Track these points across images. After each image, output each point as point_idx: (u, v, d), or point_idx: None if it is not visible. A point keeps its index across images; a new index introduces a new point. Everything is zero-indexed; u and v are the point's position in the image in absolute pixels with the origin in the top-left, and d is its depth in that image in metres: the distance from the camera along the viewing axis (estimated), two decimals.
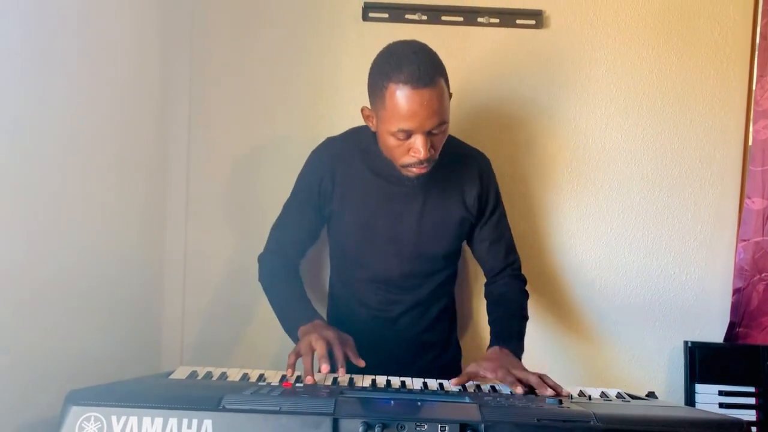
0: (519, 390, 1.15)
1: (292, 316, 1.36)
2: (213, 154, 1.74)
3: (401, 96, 1.24)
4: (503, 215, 1.55)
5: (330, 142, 1.52)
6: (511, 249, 1.55)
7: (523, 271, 1.57)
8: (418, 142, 1.28)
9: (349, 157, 1.46)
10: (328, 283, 1.64)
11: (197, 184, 1.73)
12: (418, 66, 1.24)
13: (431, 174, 1.38)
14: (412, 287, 1.50)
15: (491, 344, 1.37)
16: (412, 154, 1.30)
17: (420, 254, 1.47)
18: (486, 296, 1.55)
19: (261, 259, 1.52)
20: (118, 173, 1.45)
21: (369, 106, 1.37)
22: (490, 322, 1.47)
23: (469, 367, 1.25)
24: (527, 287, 1.55)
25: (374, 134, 1.40)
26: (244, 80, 1.73)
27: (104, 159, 1.38)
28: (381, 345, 1.31)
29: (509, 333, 1.40)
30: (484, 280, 1.58)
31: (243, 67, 1.73)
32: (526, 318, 1.49)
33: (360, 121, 1.44)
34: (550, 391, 1.13)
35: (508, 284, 1.52)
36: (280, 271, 1.47)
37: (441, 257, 1.49)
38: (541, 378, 1.18)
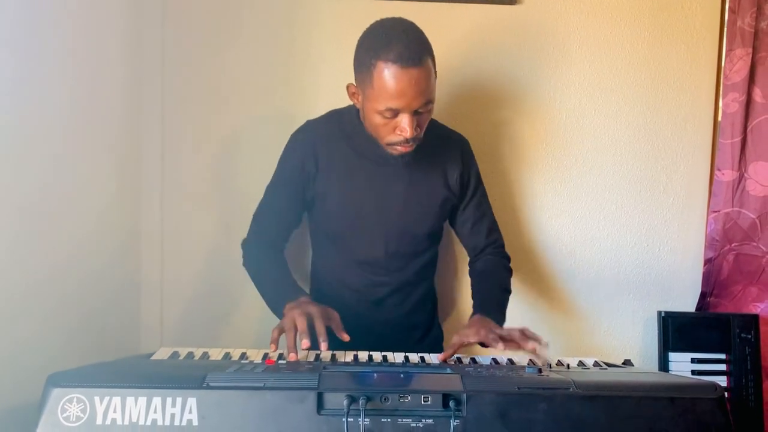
0: (500, 346, 1.18)
1: (279, 295, 1.34)
2: (187, 133, 1.71)
3: (390, 74, 1.24)
4: (484, 195, 1.57)
5: (311, 125, 1.49)
6: (493, 227, 1.57)
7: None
8: (404, 121, 1.28)
9: (332, 140, 1.45)
10: (309, 267, 1.63)
11: (172, 166, 1.71)
12: (408, 45, 1.24)
13: (414, 154, 1.38)
14: (396, 268, 1.50)
15: (473, 314, 1.39)
16: (398, 132, 1.31)
17: (405, 234, 1.47)
18: (470, 274, 1.57)
19: (245, 244, 1.50)
20: (91, 157, 1.43)
21: (354, 82, 1.35)
22: (473, 296, 1.49)
23: (453, 340, 1.26)
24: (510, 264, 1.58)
25: (357, 115, 1.39)
26: (217, 60, 1.71)
27: (77, 143, 1.36)
28: (366, 327, 1.32)
29: (490, 303, 1.43)
30: (465, 265, 1.59)
31: (216, 47, 1.70)
32: (508, 291, 1.51)
33: (336, 102, 1.43)
34: (531, 344, 1.18)
35: (490, 260, 1.54)
36: (264, 256, 1.46)
37: (425, 237, 1.50)
38: (523, 332, 1.22)
